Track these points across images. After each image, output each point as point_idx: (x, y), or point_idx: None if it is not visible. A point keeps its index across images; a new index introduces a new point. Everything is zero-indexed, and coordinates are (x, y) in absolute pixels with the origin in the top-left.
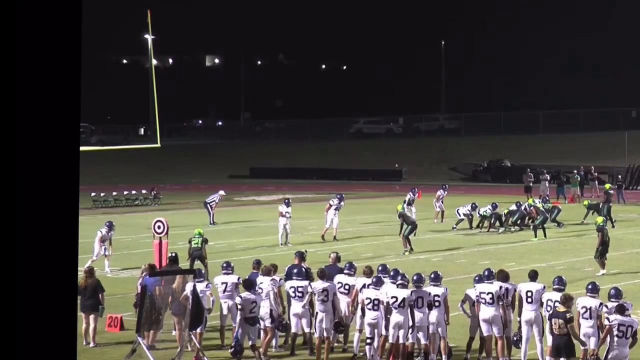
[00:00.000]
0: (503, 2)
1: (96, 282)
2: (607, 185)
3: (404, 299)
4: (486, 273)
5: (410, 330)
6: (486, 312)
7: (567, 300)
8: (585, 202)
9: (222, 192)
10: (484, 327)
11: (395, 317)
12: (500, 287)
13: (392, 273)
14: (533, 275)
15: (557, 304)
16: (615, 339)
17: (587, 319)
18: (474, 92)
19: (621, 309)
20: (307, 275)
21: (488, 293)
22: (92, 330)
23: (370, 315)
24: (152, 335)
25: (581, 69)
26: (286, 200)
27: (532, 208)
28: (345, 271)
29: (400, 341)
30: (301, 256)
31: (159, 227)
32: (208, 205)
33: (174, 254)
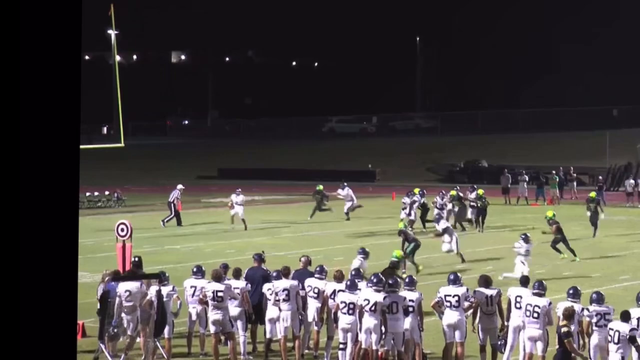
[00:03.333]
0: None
1: None
2: (592, 194)
3: (376, 303)
4: (452, 277)
5: (383, 336)
6: (451, 316)
7: (571, 316)
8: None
9: (180, 186)
10: (447, 332)
11: (367, 322)
12: (493, 295)
13: (372, 277)
14: (524, 281)
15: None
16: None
17: None
18: (451, 90)
19: (599, 298)
20: (268, 279)
21: (454, 296)
22: None
23: (345, 320)
24: (114, 343)
25: (560, 66)
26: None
27: (552, 225)
28: (316, 275)
29: (374, 347)
30: (260, 258)
31: (122, 230)
32: (171, 205)
33: (137, 258)
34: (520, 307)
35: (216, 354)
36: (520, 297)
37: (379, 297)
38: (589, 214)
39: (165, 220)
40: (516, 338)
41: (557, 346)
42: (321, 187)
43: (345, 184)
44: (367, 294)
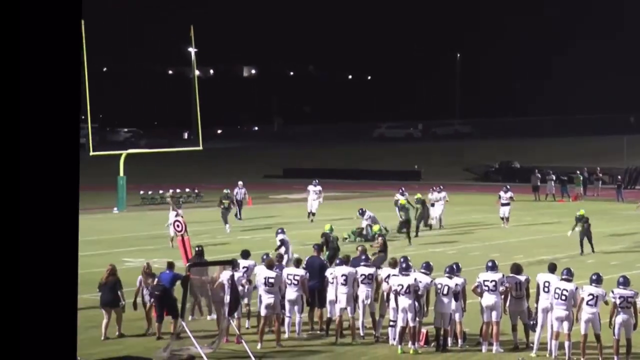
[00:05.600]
0: (513, 15)
1: (116, 280)
2: (582, 212)
3: (409, 286)
4: (490, 264)
5: (422, 315)
6: (489, 299)
7: None
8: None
9: (240, 183)
10: (486, 312)
11: (402, 302)
12: (510, 278)
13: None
14: (552, 268)
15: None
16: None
17: (591, 305)
18: (486, 100)
19: (625, 282)
20: (324, 267)
21: (492, 281)
22: (115, 322)
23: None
24: (175, 323)
25: (585, 77)
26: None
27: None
28: (362, 264)
29: (411, 324)
30: (319, 248)
31: (177, 226)
32: (238, 202)
33: (200, 248)
34: (548, 291)
35: (261, 333)
36: (548, 282)
37: (410, 280)
38: (577, 229)
39: (237, 216)
40: (545, 318)
41: None
42: (227, 190)
43: (317, 180)
44: (400, 279)
